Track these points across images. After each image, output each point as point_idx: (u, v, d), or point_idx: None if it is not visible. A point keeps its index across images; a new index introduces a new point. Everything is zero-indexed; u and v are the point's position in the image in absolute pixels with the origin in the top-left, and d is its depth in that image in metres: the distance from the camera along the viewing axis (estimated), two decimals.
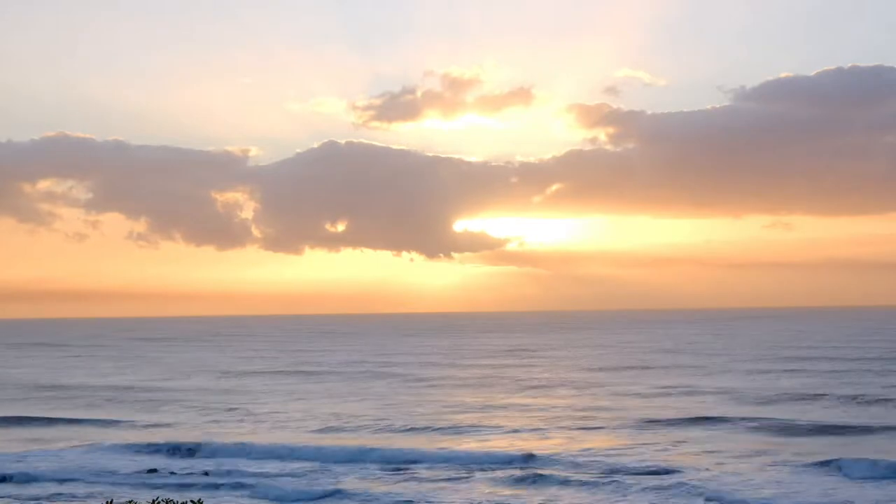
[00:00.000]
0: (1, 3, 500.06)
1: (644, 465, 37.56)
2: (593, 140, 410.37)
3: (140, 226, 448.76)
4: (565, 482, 34.85)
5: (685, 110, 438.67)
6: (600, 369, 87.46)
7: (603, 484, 34.25)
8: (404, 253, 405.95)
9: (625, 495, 32.66)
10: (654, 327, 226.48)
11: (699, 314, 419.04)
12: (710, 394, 63.26)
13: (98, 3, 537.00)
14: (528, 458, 39.33)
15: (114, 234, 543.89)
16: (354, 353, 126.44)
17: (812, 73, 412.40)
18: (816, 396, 59.29)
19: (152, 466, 39.75)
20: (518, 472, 36.62)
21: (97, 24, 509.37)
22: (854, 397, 58.07)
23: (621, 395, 63.48)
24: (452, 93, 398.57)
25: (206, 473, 38.06)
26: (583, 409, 55.91)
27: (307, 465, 39.71)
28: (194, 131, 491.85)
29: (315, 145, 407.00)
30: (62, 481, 36.92)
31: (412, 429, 49.20)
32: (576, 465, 38.04)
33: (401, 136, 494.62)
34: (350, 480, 36.27)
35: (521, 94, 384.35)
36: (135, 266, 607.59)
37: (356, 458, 40.94)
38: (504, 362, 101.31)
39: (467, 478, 36.32)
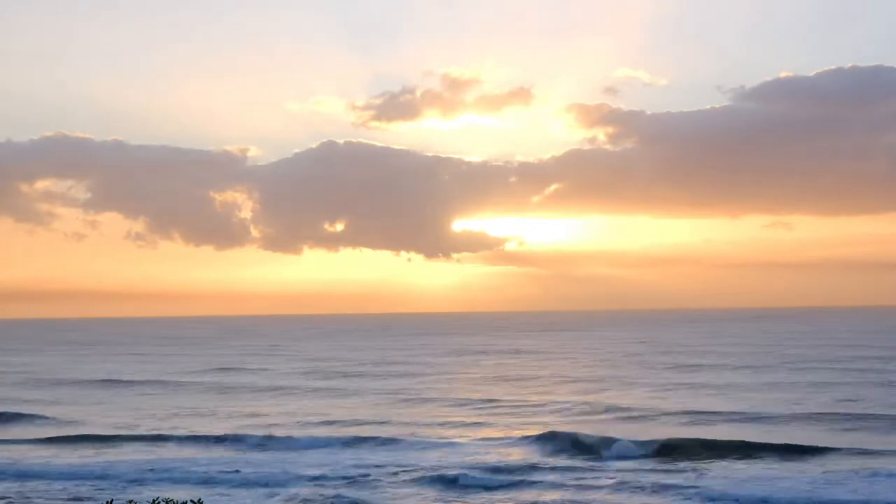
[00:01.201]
0: (0, 4, 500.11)
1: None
2: (592, 140, 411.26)
3: (139, 225, 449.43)
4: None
5: (685, 110, 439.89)
6: (502, 379, 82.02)
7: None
8: (403, 253, 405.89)
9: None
10: (629, 330, 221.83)
11: (697, 314, 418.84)
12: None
13: (98, 3, 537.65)
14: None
15: (112, 234, 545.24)
16: (236, 356, 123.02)
17: (812, 73, 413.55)
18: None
19: None
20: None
21: (97, 24, 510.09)
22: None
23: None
24: (452, 93, 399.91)
25: None
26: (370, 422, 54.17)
27: None
28: (193, 131, 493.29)
29: (314, 145, 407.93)
30: None
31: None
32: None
33: (400, 135, 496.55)
34: None
35: (521, 94, 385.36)
36: (133, 266, 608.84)
37: None
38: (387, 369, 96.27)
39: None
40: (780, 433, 46.66)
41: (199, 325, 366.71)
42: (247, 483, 36.96)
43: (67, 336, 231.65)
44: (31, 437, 51.01)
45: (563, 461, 40.53)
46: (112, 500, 21.06)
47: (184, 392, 74.95)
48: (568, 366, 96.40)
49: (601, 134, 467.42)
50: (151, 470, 39.19)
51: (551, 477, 37.00)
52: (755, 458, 40.59)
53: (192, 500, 20.33)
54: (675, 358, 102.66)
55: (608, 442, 43.40)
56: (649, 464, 39.77)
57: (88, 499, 34.28)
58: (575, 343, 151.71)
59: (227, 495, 35.01)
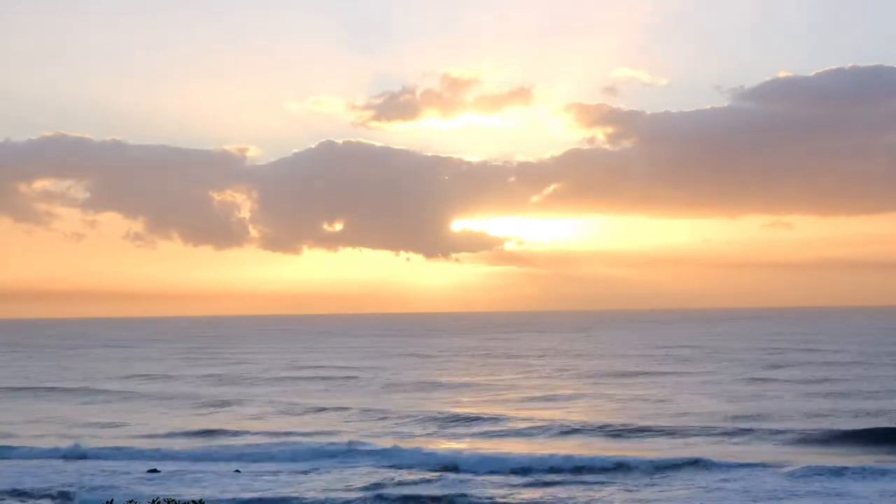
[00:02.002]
0: (0, 4, 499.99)
1: None
2: (591, 140, 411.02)
3: (137, 225, 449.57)
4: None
5: (684, 110, 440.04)
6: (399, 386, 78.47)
7: None
8: (402, 252, 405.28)
9: None
10: (613, 330, 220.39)
11: (697, 314, 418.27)
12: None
13: (98, 3, 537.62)
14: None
15: (111, 234, 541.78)
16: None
17: (812, 74, 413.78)
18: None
19: None
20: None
21: (96, 24, 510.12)
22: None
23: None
24: (452, 92, 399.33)
25: None
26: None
27: None
28: (192, 131, 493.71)
29: (313, 145, 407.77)
30: None
31: None
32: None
33: (400, 135, 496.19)
34: None
35: (521, 94, 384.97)
36: (132, 266, 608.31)
37: None
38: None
39: None
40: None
41: (168, 326, 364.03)
42: None
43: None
44: None
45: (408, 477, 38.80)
46: (112, 500, 20.92)
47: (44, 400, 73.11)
48: (507, 371, 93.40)
49: (600, 134, 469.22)
50: None
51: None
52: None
53: (192, 501, 20.09)
54: (626, 363, 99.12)
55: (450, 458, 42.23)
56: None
57: None
58: (541, 345, 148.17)
59: None
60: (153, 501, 18.69)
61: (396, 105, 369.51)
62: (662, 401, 63.84)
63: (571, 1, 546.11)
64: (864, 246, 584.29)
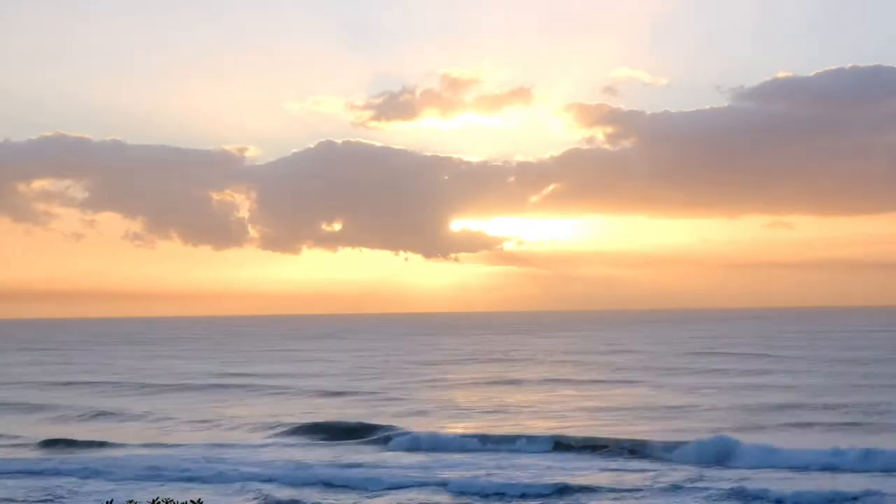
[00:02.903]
0: (0, 4, 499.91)
1: None
2: (591, 140, 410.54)
3: (136, 225, 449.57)
4: None
5: (684, 110, 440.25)
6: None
7: None
8: (401, 252, 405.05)
9: None
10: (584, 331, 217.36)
11: (696, 314, 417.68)
12: None
13: (98, 3, 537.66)
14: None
15: (110, 234, 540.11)
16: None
17: (812, 74, 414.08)
18: None
19: None
20: None
21: (96, 24, 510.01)
22: None
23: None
24: (451, 92, 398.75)
25: None
26: None
27: None
28: (191, 131, 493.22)
29: (312, 145, 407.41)
30: None
31: None
32: None
33: (399, 135, 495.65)
34: None
35: (520, 94, 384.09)
36: (131, 266, 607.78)
37: None
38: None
39: None
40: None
41: (133, 326, 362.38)
42: None
43: None
44: None
45: None
46: (112, 501, 20.88)
47: None
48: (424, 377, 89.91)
49: (600, 134, 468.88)
50: None
51: None
52: None
53: (192, 501, 20.00)
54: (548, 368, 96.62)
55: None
56: None
57: None
58: (502, 347, 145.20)
59: None
60: (153, 501, 18.62)
61: (396, 105, 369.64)
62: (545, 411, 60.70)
63: (572, 1, 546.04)
64: (864, 246, 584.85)
